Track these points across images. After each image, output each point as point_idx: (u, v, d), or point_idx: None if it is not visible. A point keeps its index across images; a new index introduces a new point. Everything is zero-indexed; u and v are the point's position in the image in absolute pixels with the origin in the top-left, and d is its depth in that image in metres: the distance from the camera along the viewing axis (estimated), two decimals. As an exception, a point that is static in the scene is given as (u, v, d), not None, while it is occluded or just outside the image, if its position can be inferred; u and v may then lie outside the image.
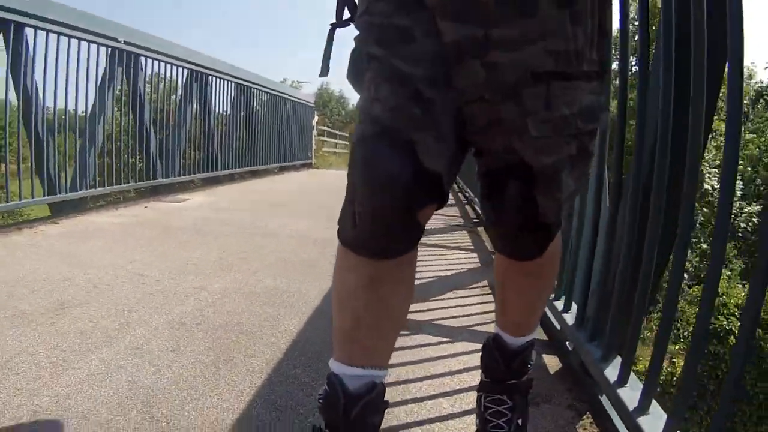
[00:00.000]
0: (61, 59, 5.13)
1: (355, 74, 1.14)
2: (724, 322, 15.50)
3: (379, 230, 1.05)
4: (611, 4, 1.16)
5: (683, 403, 1.33)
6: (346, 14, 1.27)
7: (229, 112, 9.75)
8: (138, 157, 6.93)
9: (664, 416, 1.37)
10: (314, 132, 16.88)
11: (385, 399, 1.19)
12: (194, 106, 8.32)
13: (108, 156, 6.10)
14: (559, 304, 2.24)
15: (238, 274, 3.22)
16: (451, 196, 8.19)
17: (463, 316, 2.67)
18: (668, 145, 1.47)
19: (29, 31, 4.79)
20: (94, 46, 5.58)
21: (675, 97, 1.45)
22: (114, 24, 6.00)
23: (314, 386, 1.82)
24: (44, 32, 4.89)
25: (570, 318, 2.11)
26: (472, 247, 4.56)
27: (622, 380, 1.57)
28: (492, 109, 1.05)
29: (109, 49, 5.94)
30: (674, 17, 1.47)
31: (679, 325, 14.94)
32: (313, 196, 8.22)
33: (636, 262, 1.59)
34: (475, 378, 1.96)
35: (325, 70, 1.30)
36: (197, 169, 8.52)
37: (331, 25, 1.27)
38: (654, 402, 1.43)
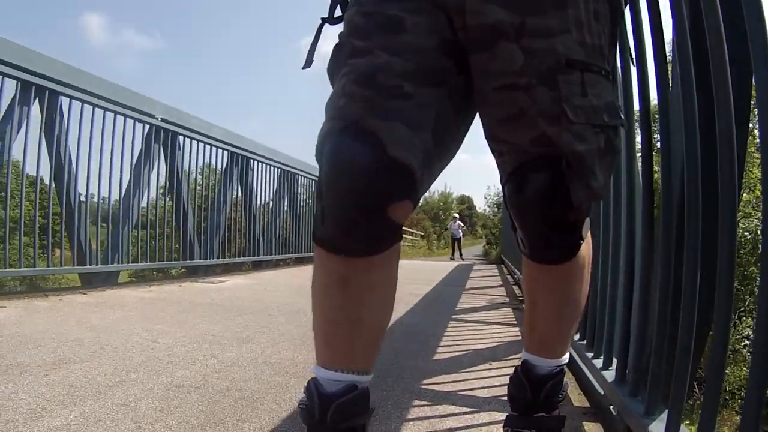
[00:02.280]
0: (95, 131, 5.24)
1: (333, 67, 1.10)
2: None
3: (342, 226, 1.00)
4: (621, 20, 1.26)
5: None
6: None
7: (271, 197, 9.85)
8: (174, 237, 6.94)
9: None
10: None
11: (371, 405, 1.11)
12: (235, 189, 8.38)
13: (142, 234, 6.12)
14: (599, 363, 2.04)
15: (255, 346, 3.04)
16: (498, 275, 7.93)
17: (495, 386, 2.37)
18: (698, 175, 1.32)
19: (64, 101, 4.93)
20: (130, 122, 5.69)
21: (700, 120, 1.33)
22: (151, 100, 6.11)
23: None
24: (79, 102, 5.02)
25: (610, 375, 1.90)
26: (515, 322, 4.32)
27: None
28: (522, 96, 1.03)
29: (146, 125, 6.04)
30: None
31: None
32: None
33: (675, 304, 1.39)
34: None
35: (308, 63, 1.26)
36: (238, 253, 8.51)
37: (321, 19, 1.24)
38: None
